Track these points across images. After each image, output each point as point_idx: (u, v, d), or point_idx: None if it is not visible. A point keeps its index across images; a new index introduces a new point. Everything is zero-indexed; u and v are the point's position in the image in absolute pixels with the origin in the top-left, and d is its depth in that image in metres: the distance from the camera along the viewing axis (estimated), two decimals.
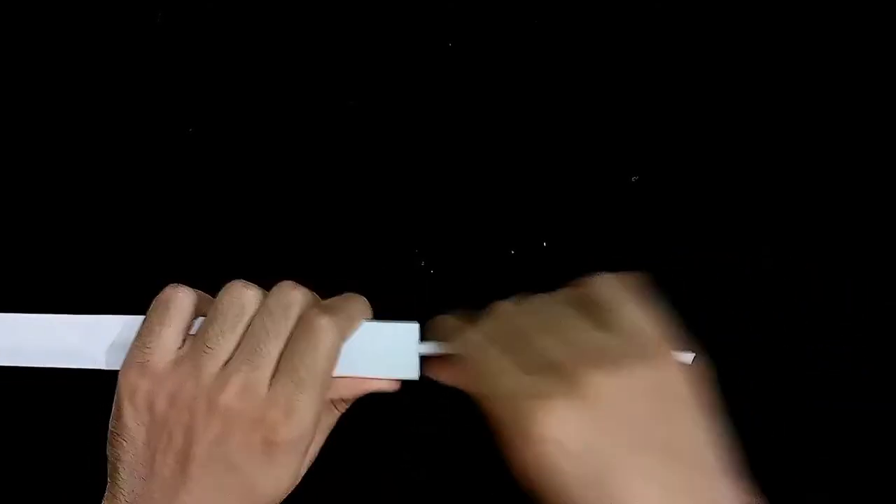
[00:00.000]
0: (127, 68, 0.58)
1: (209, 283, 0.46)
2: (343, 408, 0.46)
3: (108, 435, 0.42)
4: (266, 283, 0.46)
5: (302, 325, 0.41)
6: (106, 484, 0.42)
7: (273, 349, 0.41)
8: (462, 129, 0.55)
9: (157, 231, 0.57)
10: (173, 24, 0.58)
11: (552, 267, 0.54)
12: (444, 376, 0.42)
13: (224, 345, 0.41)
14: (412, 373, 0.43)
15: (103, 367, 0.45)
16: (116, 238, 0.57)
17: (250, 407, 0.40)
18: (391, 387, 0.44)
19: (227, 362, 0.41)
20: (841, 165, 0.53)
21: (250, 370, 0.40)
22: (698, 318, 0.53)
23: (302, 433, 0.41)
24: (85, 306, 0.49)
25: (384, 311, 0.45)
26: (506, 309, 0.40)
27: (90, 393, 0.45)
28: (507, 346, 0.38)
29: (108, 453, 0.42)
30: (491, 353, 0.37)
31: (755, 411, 0.53)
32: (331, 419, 0.46)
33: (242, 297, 0.42)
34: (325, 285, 0.47)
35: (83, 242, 0.57)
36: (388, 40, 0.56)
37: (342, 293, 0.45)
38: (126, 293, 0.46)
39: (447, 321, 0.42)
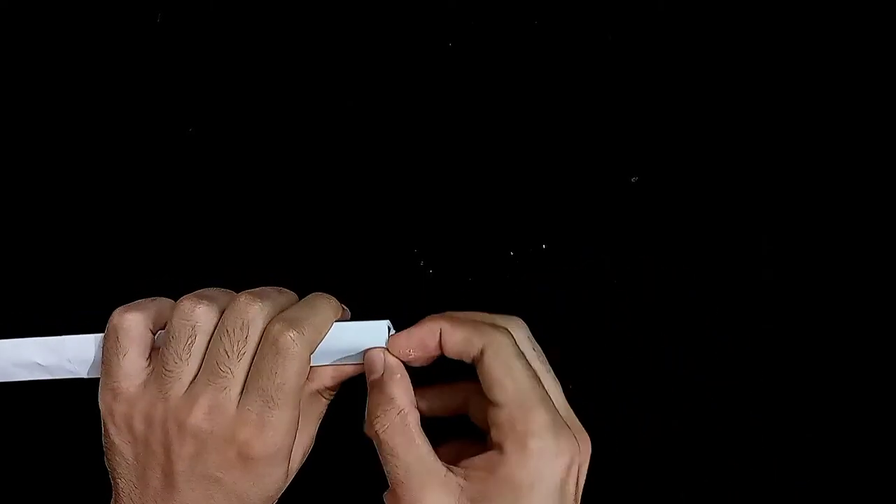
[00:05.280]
0: (127, 68, 0.58)
1: (209, 284, 0.46)
2: (329, 395, 0.46)
3: (104, 450, 0.43)
4: (265, 283, 0.46)
5: (267, 342, 0.41)
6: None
7: (236, 369, 0.40)
8: (461, 130, 0.55)
9: (157, 231, 0.57)
10: (173, 24, 0.58)
11: (552, 268, 0.54)
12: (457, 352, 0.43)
13: (183, 366, 0.41)
14: None
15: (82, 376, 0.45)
16: (116, 238, 0.57)
17: (220, 426, 0.40)
18: None
19: (193, 381, 0.41)
20: (842, 167, 0.53)
21: (216, 391, 0.40)
22: (698, 319, 0.53)
23: (278, 446, 0.41)
24: (84, 307, 0.49)
25: (382, 312, 0.45)
26: (524, 327, 0.44)
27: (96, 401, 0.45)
28: (529, 367, 0.41)
29: (106, 466, 0.43)
30: (522, 366, 0.41)
31: (755, 408, 0.53)
32: (320, 408, 0.46)
33: (192, 316, 0.41)
34: (323, 286, 0.47)
35: (82, 242, 0.57)
36: (388, 40, 0.56)
37: (338, 293, 0.45)
38: (126, 293, 0.46)
39: (473, 314, 0.44)
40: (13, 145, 0.59)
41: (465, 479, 0.40)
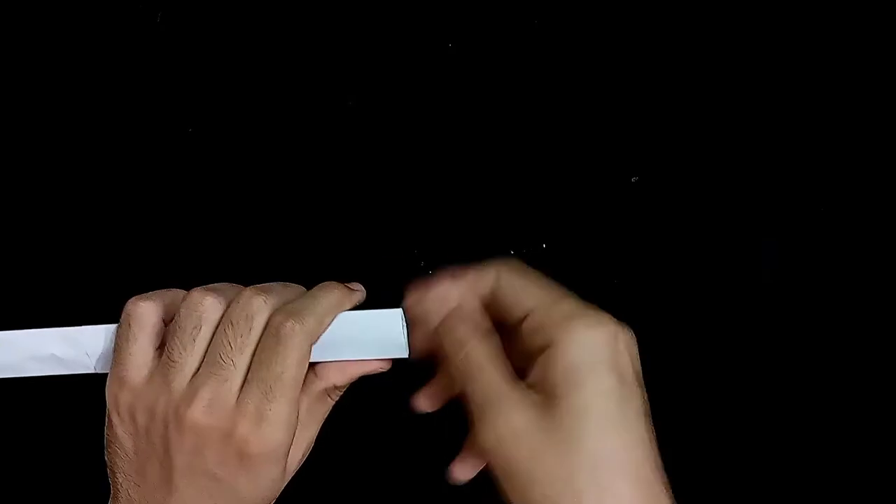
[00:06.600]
0: (127, 68, 0.58)
1: (204, 284, 0.46)
2: (336, 396, 0.46)
3: (105, 443, 0.43)
4: (265, 282, 0.46)
5: (268, 333, 0.40)
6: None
7: (238, 361, 0.40)
8: (461, 130, 0.55)
9: (158, 231, 0.57)
10: (173, 24, 0.58)
11: (551, 268, 0.54)
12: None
13: (187, 357, 0.41)
14: (401, 352, 0.42)
15: (95, 371, 0.45)
16: (116, 238, 0.57)
17: (219, 420, 0.40)
18: (381, 367, 0.44)
19: (196, 373, 0.41)
20: (843, 168, 0.53)
21: (217, 383, 0.40)
22: (698, 319, 0.53)
23: (276, 442, 0.40)
24: (85, 306, 0.49)
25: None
26: None
27: (99, 399, 0.45)
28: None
29: (106, 460, 0.43)
30: (534, 274, 0.42)
31: (755, 408, 0.53)
32: (324, 409, 0.45)
33: (199, 307, 0.41)
34: None
35: (83, 242, 0.57)
36: (388, 40, 0.56)
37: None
38: (127, 293, 0.46)
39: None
40: (14, 145, 0.59)
41: (535, 391, 0.39)
